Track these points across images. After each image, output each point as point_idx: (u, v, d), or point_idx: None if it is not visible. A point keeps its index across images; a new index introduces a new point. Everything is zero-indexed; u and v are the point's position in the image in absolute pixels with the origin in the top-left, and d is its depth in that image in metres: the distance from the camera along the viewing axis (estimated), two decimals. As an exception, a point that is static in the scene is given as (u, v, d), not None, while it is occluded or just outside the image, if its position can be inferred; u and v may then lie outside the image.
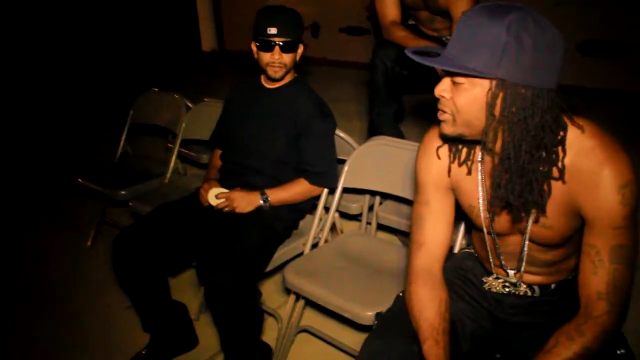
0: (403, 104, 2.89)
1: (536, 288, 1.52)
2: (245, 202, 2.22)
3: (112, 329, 2.64)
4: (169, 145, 3.23)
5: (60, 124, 5.45)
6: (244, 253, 2.05)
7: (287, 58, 2.23)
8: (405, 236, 2.62)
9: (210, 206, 2.25)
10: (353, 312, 1.89)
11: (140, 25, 6.78)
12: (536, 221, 1.35)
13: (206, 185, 2.30)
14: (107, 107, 4.84)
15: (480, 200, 1.45)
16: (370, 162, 2.32)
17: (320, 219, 2.39)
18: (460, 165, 1.45)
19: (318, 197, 2.38)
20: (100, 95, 5.84)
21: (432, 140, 1.51)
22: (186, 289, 2.71)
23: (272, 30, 2.16)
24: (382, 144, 2.31)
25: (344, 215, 2.62)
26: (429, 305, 1.45)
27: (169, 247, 2.21)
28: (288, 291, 2.30)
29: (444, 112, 1.30)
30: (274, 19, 2.17)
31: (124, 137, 3.30)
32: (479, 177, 1.44)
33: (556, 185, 1.27)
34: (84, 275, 3.06)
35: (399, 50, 2.66)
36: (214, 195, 2.24)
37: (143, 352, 2.37)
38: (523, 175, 1.25)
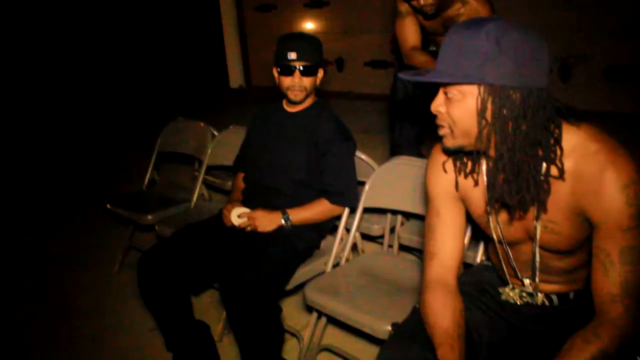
0: (424, 128, 2.92)
1: (554, 297, 1.52)
2: (267, 220, 2.27)
3: (135, 351, 2.66)
4: (195, 173, 3.30)
5: (92, 152, 5.69)
6: (266, 272, 2.07)
7: (307, 82, 2.29)
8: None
9: (233, 226, 2.29)
10: (372, 327, 1.90)
11: (170, 63, 7.00)
12: (539, 221, 1.35)
13: (229, 205, 2.36)
14: (138, 137, 4.98)
15: (488, 210, 1.47)
16: (391, 181, 2.35)
17: (342, 239, 2.41)
18: (465, 177, 1.47)
19: (339, 218, 2.41)
20: (132, 127, 6.02)
21: (439, 154, 1.54)
22: (210, 311, 2.74)
23: (292, 55, 2.23)
24: (402, 163, 2.34)
25: (366, 237, 2.64)
26: (443, 313, 1.45)
27: (192, 266, 2.25)
28: (309, 310, 2.32)
29: (442, 126, 1.35)
30: (293, 44, 2.26)
31: (151, 164, 3.39)
32: (484, 187, 1.45)
33: (561, 190, 1.29)
34: (110, 299, 3.11)
35: (419, 75, 2.71)
36: (237, 215, 2.28)
37: None
38: (519, 174, 1.28)
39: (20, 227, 4.21)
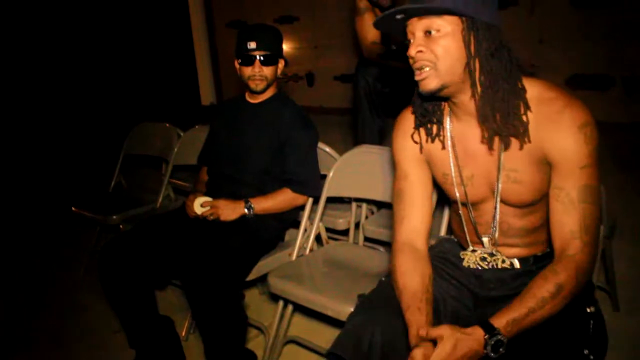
0: (387, 122, 2.95)
1: (515, 262, 1.53)
2: (230, 210, 2.26)
3: (100, 351, 2.63)
4: (162, 177, 3.28)
5: (58, 158, 5.72)
6: (225, 259, 2.07)
7: (267, 71, 2.32)
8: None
9: (197, 217, 2.28)
10: (335, 309, 1.89)
11: (141, 79, 6.99)
12: (502, 171, 1.40)
13: (191, 196, 2.35)
14: (105, 144, 4.98)
15: (452, 167, 1.51)
16: (353, 170, 2.37)
17: (306, 230, 2.41)
18: (433, 140, 1.52)
19: (302, 208, 2.41)
20: (99, 136, 6.04)
21: (405, 121, 1.59)
22: (177, 307, 2.70)
23: (252, 45, 2.26)
24: (364, 151, 2.37)
25: (332, 231, 2.64)
26: (412, 276, 1.47)
27: (155, 258, 2.23)
28: (276, 301, 2.30)
29: (423, 67, 1.35)
30: (253, 34, 2.29)
31: (117, 167, 3.37)
32: (449, 145, 1.50)
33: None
34: (76, 302, 3.07)
35: (379, 69, 2.75)
36: (200, 204, 2.27)
37: None
38: (504, 104, 1.33)
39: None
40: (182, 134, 3.18)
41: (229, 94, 6.89)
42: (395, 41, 2.93)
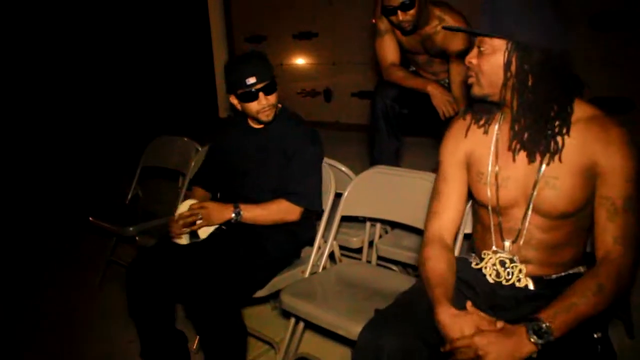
0: (403, 143, 2.97)
1: (529, 282, 1.54)
2: (216, 212, 2.25)
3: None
4: (179, 190, 3.32)
5: (77, 169, 5.82)
6: (226, 276, 2.08)
7: (273, 99, 2.27)
8: (404, 267, 2.65)
9: (175, 236, 2.26)
10: (347, 328, 1.89)
11: (161, 92, 7.07)
12: (542, 176, 1.47)
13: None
14: (124, 157, 5.05)
15: (490, 167, 1.58)
16: (368, 190, 2.38)
17: (319, 247, 2.42)
18: (480, 126, 1.63)
19: (315, 228, 2.42)
20: (119, 148, 6.11)
21: (458, 123, 1.71)
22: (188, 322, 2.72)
23: (252, 80, 2.19)
24: (380, 172, 2.38)
25: (345, 249, 2.65)
26: (439, 262, 1.59)
27: (177, 273, 2.23)
28: (287, 317, 2.31)
29: (471, 76, 1.52)
30: (248, 68, 2.21)
31: (135, 179, 3.42)
32: (493, 141, 1.59)
33: (569, 145, 1.44)
34: (92, 312, 3.11)
35: (398, 90, 2.78)
36: (189, 206, 2.26)
37: None
38: (539, 121, 1.44)
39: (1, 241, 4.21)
40: (199, 148, 3.21)
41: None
42: (415, 62, 2.96)
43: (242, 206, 2.26)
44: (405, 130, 2.93)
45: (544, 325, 1.27)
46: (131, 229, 2.96)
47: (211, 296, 2.01)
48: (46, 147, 6.53)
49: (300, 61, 6.39)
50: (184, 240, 2.26)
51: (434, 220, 1.69)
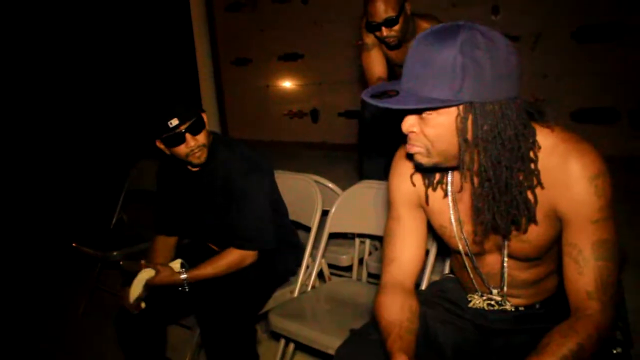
0: (392, 158, 2.93)
1: (521, 309, 1.49)
2: (167, 281, 2.09)
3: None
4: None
5: (59, 193, 5.75)
6: (240, 293, 2.05)
7: (202, 138, 2.06)
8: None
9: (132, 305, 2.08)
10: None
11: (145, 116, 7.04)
12: (516, 234, 1.32)
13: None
14: (106, 180, 5.00)
15: (453, 221, 1.43)
16: (356, 205, 2.34)
17: (308, 266, 2.37)
18: (434, 189, 1.44)
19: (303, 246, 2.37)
20: (101, 171, 6.08)
21: (403, 160, 1.50)
22: (174, 349, 2.65)
23: (174, 122, 1.97)
24: (367, 187, 2.34)
25: (335, 267, 2.60)
26: (394, 309, 1.41)
27: (171, 297, 2.16)
28: (277, 339, 2.25)
29: (415, 145, 1.28)
30: (168, 110, 1.99)
31: (119, 203, 3.36)
32: (449, 197, 1.42)
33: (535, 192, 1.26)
34: (77, 340, 3.04)
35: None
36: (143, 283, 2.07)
37: None
38: (506, 192, 1.23)
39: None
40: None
41: (234, 130, 6.92)
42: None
43: (189, 274, 2.09)
44: (394, 146, 2.89)
45: None
46: (115, 253, 2.90)
47: (226, 314, 1.96)
48: (29, 172, 6.46)
49: (286, 82, 6.39)
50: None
51: (391, 267, 1.50)
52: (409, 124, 1.25)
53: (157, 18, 7.40)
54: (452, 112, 1.18)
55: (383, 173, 2.87)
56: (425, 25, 2.65)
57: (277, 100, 6.47)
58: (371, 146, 2.85)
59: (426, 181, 1.44)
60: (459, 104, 1.16)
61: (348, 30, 5.24)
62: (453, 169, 1.34)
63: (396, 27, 2.58)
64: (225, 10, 6.65)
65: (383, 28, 2.58)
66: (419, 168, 1.36)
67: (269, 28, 6.31)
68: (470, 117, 1.17)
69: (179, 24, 6.79)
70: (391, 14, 2.53)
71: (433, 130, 1.22)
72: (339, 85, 5.92)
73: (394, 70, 2.94)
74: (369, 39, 2.81)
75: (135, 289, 2.05)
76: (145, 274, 2.07)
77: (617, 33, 4.18)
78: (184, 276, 2.08)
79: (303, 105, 6.25)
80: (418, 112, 1.22)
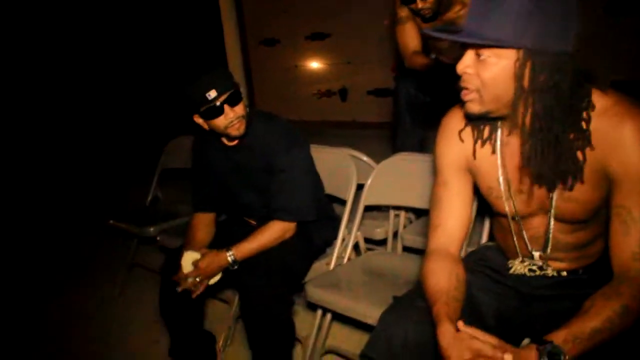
0: (428, 133, 2.91)
1: (563, 274, 1.48)
2: (214, 267, 2.12)
3: (139, 357, 2.65)
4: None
5: (95, 172, 5.90)
6: (282, 261, 2.07)
7: (240, 109, 2.05)
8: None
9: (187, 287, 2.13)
10: (376, 317, 1.79)
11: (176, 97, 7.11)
12: (556, 190, 1.31)
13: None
14: (142, 158, 5.08)
15: (501, 180, 1.42)
16: (391, 178, 2.34)
17: (344, 239, 2.37)
18: (483, 144, 1.43)
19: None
20: (136, 151, 6.19)
21: (452, 122, 1.50)
22: (213, 323, 2.69)
23: (213, 94, 1.97)
24: (402, 159, 2.34)
25: (370, 241, 2.60)
26: (442, 277, 1.40)
27: None
28: (313, 310, 2.27)
29: (469, 90, 1.27)
30: (206, 82, 1.99)
31: (155, 181, 3.39)
32: (499, 156, 1.41)
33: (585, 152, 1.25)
34: (116, 314, 3.10)
35: (422, 78, 2.72)
36: (190, 263, 2.12)
37: None
38: (556, 145, 1.23)
39: (20, 246, 4.24)
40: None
41: (263, 108, 6.92)
42: (436, 49, 2.90)
43: (234, 250, 2.10)
44: (430, 121, 2.88)
45: (560, 355, 1.11)
46: (151, 229, 2.94)
47: (267, 288, 1.98)
48: (64, 151, 6.59)
49: (314, 62, 6.37)
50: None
51: (436, 232, 1.50)
52: (465, 64, 1.25)
53: (185, 0, 7.42)
54: (512, 56, 1.18)
55: (418, 147, 2.86)
56: None
57: (306, 80, 6.46)
58: (406, 122, 2.83)
59: (475, 134, 1.43)
60: (520, 48, 1.16)
61: (375, 8, 5.20)
62: (503, 118, 1.33)
63: None
64: (253, -10, 6.64)
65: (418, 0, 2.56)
66: (470, 118, 1.37)
67: (296, 8, 6.28)
68: (528, 64, 1.17)
69: (207, 5, 6.80)
70: None
71: (489, 73, 1.22)
72: (368, 63, 5.88)
73: (428, 44, 2.91)
74: (404, 12, 2.77)
75: (185, 263, 2.10)
76: (190, 257, 2.11)
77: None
78: (230, 254, 2.10)
79: (331, 84, 6.22)
80: (477, 51, 1.22)
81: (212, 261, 2.10)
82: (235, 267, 2.11)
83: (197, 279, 2.10)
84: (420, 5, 2.57)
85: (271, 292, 1.99)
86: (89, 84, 7.28)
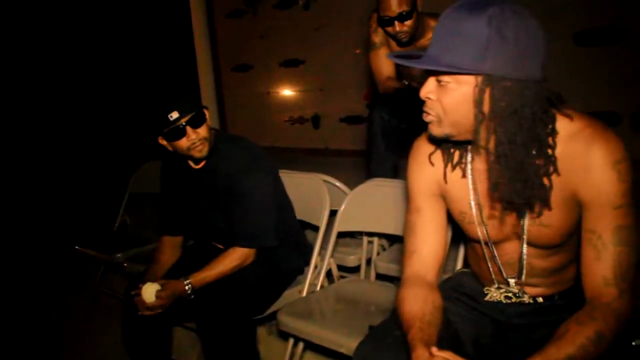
0: (401, 158, 2.91)
1: (539, 299, 1.46)
2: (172, 296, 2.04)
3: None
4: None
5: (63, 196, 5.74)
6: (240, 294, 2.01)
7: (203, 132, 2.04)
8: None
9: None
10: (348, 346, 1.80)
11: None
12: (536, 218, 1.30)
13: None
14: (109, 182, 4.99)
15: (473, 205, 1.41)
16: (365, 204, 2.33)
17: (316, 266, 2.34)
18: (453, 168, 1.42)
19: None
20: (103, 174, 6.06)
21: (424, 146, 1.49)
22: (182, 351, 2.62)
23: (175, 115, 1.95)
24: (376, 185, 2.33)
25: (342, 268, 2.57)
26: (417, 303, 1.38)
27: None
28: (286, 339, 2.22)
29: (429, 113, 1.29)
30: (169, 104, 1.97)
31: (122, 206, 3.33)
32: (470, 180, 1.41)
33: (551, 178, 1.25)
34: (81, 344, 3.02)
35: (395, 104, 2.72)
36: (152, 293, 2.03)
37: None
38: (522, 171, 1.22)
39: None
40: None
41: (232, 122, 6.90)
42: (409, 76, 2.91)
43: (191, 278, 2.05)
44: (404, 146, 2.88)
45: None
46: (118, 255, 2.87)
47: (225, 316, 1.93)
48: (32, 175, 6.45)
49: (287, 89, 6.38)
50: None
51: (412, 260, 1.48)
52: (427, 90, 1.26)
53: (157, 25, 7.40)
54: (471, 82, 1.19)
55: (391, 173, 2.85)
56: (433, 23, 2.63)
57: (278, 107, 6.44)
58: (380, 148, 2.82)
59: (445, 158, 1.43)
60: (478, 74, 1.17)
61: (349, 36, 5.25)
62: (468, 142, 1.33)
63: (409, 22, 2.55)
64: (226, 16, 6.63)
65: (396, 22, 2.56)
66: (432, 140, 1.38)
67: (270, 34, 6.29)
68: (488, 90, 1.17)
69: (180, 30, 6.79)
70: (405, 8, 2.51)
71: (449, 99, 1.22)
72: (341, 91, 5.89)
73: (400, 70, 2.93)
74: (378, 38, 2.79)
75: (146, 294, 2.01)
76: (151, 288, 2.03)
77: (617, 36, 4.17)
78: (187, 282, 2.04)
79: (304, 111, 6.21)
80: (438, 77, 1.24)
81: (174, 291, 2.03)
82: (192, 296, 2.05)
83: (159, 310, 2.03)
84: (398, 28, 2.58)
85: (227, 321, 1.94)
86: (59, 104, 7.17)
